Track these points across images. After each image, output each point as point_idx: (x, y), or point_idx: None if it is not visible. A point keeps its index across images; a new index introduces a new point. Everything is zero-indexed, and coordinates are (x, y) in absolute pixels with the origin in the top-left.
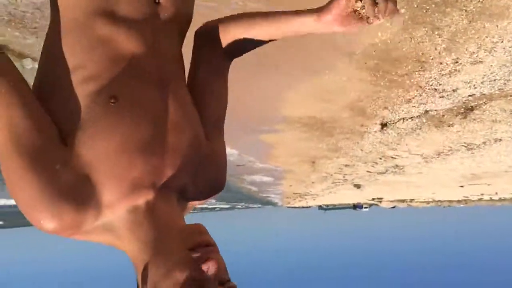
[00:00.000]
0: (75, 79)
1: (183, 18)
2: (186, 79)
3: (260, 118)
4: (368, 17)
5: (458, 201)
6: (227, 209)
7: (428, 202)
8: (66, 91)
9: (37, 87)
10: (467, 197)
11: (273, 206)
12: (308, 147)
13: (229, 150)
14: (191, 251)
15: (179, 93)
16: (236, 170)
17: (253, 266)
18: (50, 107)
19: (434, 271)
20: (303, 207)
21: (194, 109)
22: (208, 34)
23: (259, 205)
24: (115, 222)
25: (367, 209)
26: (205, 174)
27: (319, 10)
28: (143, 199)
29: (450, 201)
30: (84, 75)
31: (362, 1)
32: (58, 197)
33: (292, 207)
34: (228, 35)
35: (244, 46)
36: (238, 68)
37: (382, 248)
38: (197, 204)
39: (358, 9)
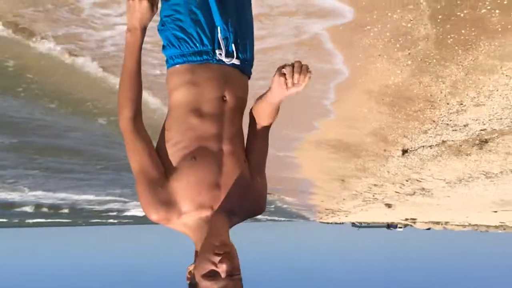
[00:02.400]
0: (175, 148)
1: (241, 104)
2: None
3: (288, 138)
4: (292, 86)
5: (496, 227)
6: (263, 221)
7: (464, 226)
8: (170, 152)
9: (157, 148)
10: (504, 223)
11: (306, 220)
12: (336, 167)
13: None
14: (215, 255)
15: (236, 152)
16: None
17: (289, 277)
18: (162, 158)
19: None
20: (336, 223)
21: (243, 162)
22: (250, 115)
23: (292, 219)
24: (188, 223)
25: (401, 229)
26: (247, 203)
27: (270, 88)
28: (204, 214)
29: (487, 226)
30: (179, 147)
31: (286, 76)
32: (158, 205)
33: (325, 223)
34: (255, 116)
35: (264, 115)
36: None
37: (416, 268)
38: (241, 221)
39: (286, 82)
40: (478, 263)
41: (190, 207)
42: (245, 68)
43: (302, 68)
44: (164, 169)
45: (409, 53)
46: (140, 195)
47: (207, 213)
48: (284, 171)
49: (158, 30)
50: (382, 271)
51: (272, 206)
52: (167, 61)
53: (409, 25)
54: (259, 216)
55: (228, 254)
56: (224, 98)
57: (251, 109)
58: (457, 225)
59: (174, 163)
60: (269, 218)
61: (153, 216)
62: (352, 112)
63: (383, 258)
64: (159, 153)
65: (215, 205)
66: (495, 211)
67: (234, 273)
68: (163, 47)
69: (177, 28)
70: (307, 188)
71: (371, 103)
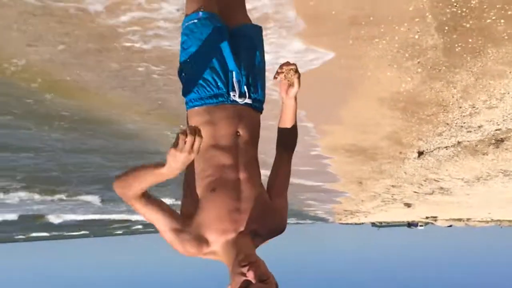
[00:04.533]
0: (201, 175)
1: (254, 137)
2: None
3: (306, 145)
4: (292, 83)
5: None
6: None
7: (487, 222)
8: (197, 179)
9: (186, 174)
10: None
11: (325, 222)
12: (353, 170)
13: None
14: (242, 267)
15: (251, 179)
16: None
17: (308, 281)
18: (189, 186)
19: None
20: (355, 223)
21: (259, 186)
22: (277, 144)
23: (311, 221)
24: (217, 250)
25: (422, 227)
26: (268, 223)
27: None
28: (229, 237)
29: (510, 221)
30: (204, 174)
31: (286, 75)
32: (187, 245)
33: (344, 224)
34: (278, 143)
35: (286, 141)
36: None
37: (439, 267)
38: (265, 240)
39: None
40: (503, 258)
41: (216, 236)
42: (257, 105)
43: (292, 69)
44: (185, 211)
45: (418, 62)
46: (169, 243)
47: (231, 236)
48: (302, 176)
49: (178, 75)
50: (404, 270)
51: (291, 209)
52: (186, 103)
53: (416, 36)
54: None
55: (254, 263)
56: (238, 133)
57: (277, 138)
58: (479, 221)
59: (199, 192)
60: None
61: (185, 254)
62: (365, 118)
63: (405, 256)
64: (187, 180)
65: (238, 228)
66: None
67: (264, 278)
68: (183, 91)
69: (194, 74)
70: (325, 191)
71: (384, 109)
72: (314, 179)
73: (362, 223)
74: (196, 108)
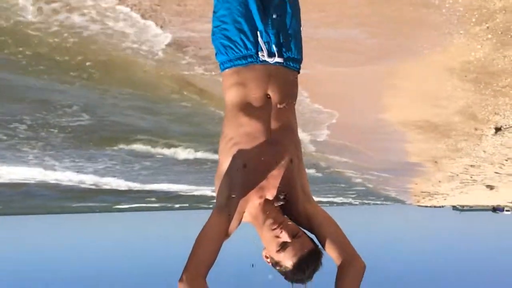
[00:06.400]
0: (229, 143)
1: (287, 99)
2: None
3: (373, 121)
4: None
5: None
6: (357, 205)
7: None
8: (225, 147)
9: (220, 142)
10: None
11: (402, 203)
12: (426, 147)
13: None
14: (273, 230)
15: (283, 145)
16: (361, 167)
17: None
18: (220, 154)
19: None
20: (434, 206)
21: (295, 148)
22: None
23: (388, 202)
24: (250, 212)
25: (509, 213)
26: (295, 191)
27: None
28: (257, 205)
29: None
30: (232, 142)
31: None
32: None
33: (423, 206)
34: None
35: None
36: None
37: None
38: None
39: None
40: None
41: (248, 203)
42: (291, 64)
43: None
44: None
45: (487, 27)
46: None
47: (259, 202)
48: (373, 154)
49: (211, 39)
50: (489, 257)
51: (363, 188)
52: (220, 66)
53: None
54: (350, 200)
55: (282, 223)
56: (268, 96)
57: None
58: None
59: (227, 161)
60: (362, 201)
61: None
62: (435, 90)
63: (490, 243)
64: (220, 148)
65: (265, 195)
66: None
67: (295, 233)
68: (216, 54)
69: (224, 37)
70: (398, 170)
71: (454, 80)
72: (386, 157)
73: (442, 206)
74: (227, 70)
